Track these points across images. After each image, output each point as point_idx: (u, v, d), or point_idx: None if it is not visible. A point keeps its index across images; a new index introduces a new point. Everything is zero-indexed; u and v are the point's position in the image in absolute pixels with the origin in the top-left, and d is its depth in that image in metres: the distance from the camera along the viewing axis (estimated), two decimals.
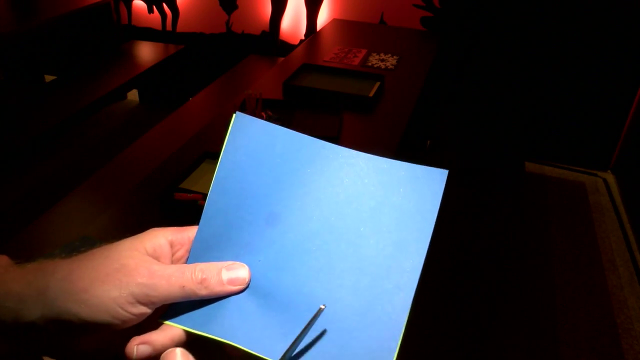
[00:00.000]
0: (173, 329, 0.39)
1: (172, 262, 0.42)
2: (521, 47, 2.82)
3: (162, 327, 0.39)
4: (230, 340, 0.38)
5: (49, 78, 3.37)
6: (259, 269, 0.42)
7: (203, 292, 0.39)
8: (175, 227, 0.43)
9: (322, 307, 0.38)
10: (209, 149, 1.50)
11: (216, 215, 0.43)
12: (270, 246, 0.42)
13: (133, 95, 3.56)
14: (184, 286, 0.38)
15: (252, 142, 0.44)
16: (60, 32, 3.29)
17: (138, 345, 0.37)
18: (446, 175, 0.42)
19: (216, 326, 0.39)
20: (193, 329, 0.39)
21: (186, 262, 0.43)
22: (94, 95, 2.65)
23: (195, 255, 0.42)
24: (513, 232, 2.49)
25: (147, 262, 0.39)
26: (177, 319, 0.39)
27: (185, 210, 1.24)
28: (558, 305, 2.10)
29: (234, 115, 0.45)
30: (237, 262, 0.41)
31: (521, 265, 2.30)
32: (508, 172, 2.99)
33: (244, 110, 1.57)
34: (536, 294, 2.15)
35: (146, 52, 3.19)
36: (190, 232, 0.43)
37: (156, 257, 0.40)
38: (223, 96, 2.67)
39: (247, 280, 0.41)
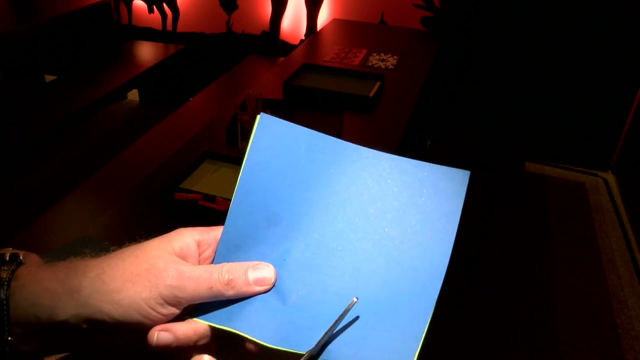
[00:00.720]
0: (197, 322, 0.40)
1: (199, 262, 0.43)
2: (521, 47, 2.82)
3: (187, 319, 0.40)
4: (255, 337, 0.39)
5: (49, 78, 3.37)
6: (285, 268, 0.42)
7: (230, 292, 0.40)
8: (202, 227, 0.44)
9: (355, 299, 0.38)
10: (209, 149, 1.50)
11: (242, 216, 0.44)
12: (295, 246, 0.43)
13: (133, 95, 3.56)
14: (211, 287, 0.39)
15: (277, 143, 0.45)
16: (60, 32, 3.29)
17: (159, 331, 0.38)
18: (468, 176, 0.42)
19: (241, 322, 0.39)
20: (218, 324, 0.39)
21: (212, 262, 0.43)
22: (94, 95, 2.65)
23: (221, 255, 0.43)
24: (513, 232, 2.49)
25: (176, 263, 0.39)
26: (204, 316, 0.40)
27: (186, 210, 1.24)
28: (558, 305, 2.10)
29: (259, 115, 0.45)
30: (263, 262, 0.42)
31: (521, 265, 2.30)
32: (508, 172, 2.99)
33: (244, 110, 1.57)
34: (536, 294, 2.15)
35: (146, 52, 3.19)
36: (217, 232, 0.44)
37: (183, 257, 0.41)
38: (223, 96, 2.67)
39: (272, 280, 0.41)
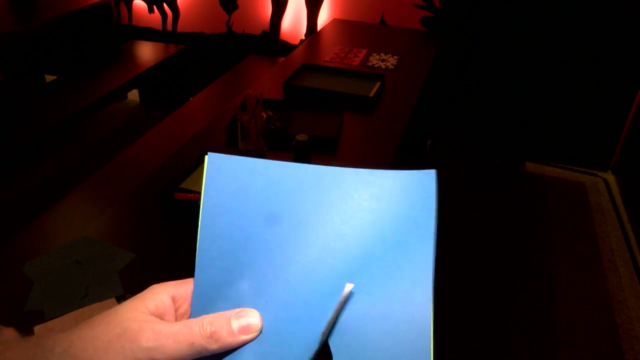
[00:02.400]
0: None
1: (176, 318, 0.40)
2: (521, 47, 2.82)
3: None
4: None
5: (49, 78, 3.38)
6: (268, 310, 0.40)
7: (214, 346, 0.37)
8: (175, 282, 0.41)
9: (350, 286, 0.37)
10: (209, 149, 1.50)
11: (211, 264, 0.41)
12: (274, 284, 0.40)
13: (133, 95, 3.56)
14: (193, 343, 0.36)
15: (232, 181, 0.42)
16: (61, 32, 3.29)
17: None
18: (434, 175, 0.40)
19: None
20: None
21: (190, 317, 0.41)
22: (94, 95, 2.65)
23: (197, 308, 0.40)
24: (513, 232, 2.49)
25: (151, 322, 0.37)
26: None
27: (186, 210, 1.24)
28: (558, 305, 2.10)
29: (206, 157, 0.42)
30: (246, 308, 0.39)
31: (521, 265, 2.30)
32: (508, 172, 2.99)
33: (244, 110, 1.57)
34: (536, 294, 2.15)
35: (146, 52, 3.19)
36: (192, 284, 0.41)
37: (159, 315, 0.39)
38: (223, 96, 2.67)
39: (259, 326, 0.39)
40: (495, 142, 3.14)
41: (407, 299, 0.38)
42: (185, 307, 0.41)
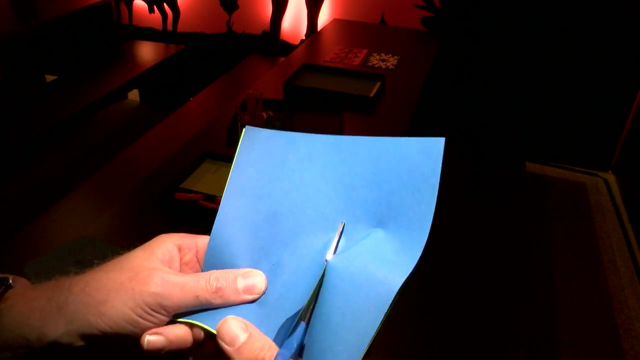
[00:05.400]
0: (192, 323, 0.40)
1: (181, 266, 0.43)
2: (522, 47, 2.82)
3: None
4: None
5: (49, 78, 3.37)
6: (274, 274, 0.41)
7: (218, 301, 0.39)
8: (182, 233, 0.44)
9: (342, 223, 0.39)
10: (209, 149, 1.50)
11: (229, 222, 0.43)
12: (283, 249, 0.42)
13: (134, 95, 3.56)
14: (198, 296, 0.39)
15: (263, 151, 0.45)
16: (61, 32, 3.29)
17: (149, 335, 0.38)
18: (443, 143, 0.42)
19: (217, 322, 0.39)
20: (199, 322, 0.39)
21: (202, 269, 0.43)
22: (94, 95, 2.65)
23: (209, 262, 0.43)
24: (513, 232, 2.49)
25: (161, 271, 0.39)
26: (188, 317, 0.40)
27: (186, 210, 1.24)
28: (558, 305, 2.10)
29: (244, 129, 0.46)
30: (254, 270, 0.41)
31: (521, 265, 2.30)
32: (508, 172, 2.99)
33: (244, 110, 1.57)
34: (536, 294, 2.15)
35: (147, 52, 3.19)
36: (198, 238, 0.44)
37: (166, 262, 0.41)
38: (223, 96, 2.67)
39: (263, 289, 0.40)
40: (496, 142, 3.14)
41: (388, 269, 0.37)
42: (189, 256, 0.44)
